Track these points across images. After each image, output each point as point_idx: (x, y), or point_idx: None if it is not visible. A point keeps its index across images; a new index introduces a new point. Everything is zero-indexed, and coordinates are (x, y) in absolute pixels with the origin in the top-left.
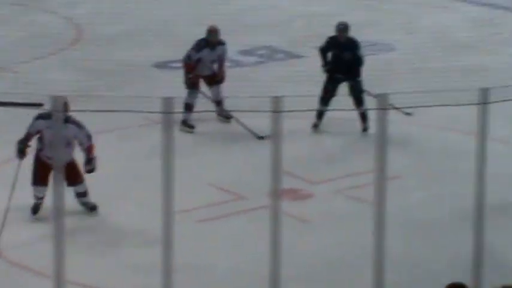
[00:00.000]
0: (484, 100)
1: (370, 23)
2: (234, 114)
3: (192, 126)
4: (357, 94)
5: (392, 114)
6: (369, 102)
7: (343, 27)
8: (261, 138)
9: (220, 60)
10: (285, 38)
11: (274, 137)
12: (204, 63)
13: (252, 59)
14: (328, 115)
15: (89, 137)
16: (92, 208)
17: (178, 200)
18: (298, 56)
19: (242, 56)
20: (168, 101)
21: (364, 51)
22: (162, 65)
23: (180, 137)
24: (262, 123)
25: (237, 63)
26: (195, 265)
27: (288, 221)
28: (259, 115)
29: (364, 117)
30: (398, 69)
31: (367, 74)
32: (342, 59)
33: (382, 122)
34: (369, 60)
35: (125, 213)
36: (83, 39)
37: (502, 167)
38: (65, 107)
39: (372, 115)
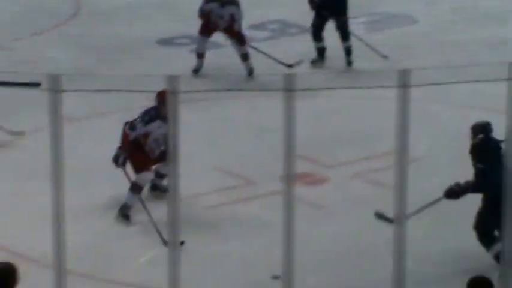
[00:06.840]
0: None
1: None
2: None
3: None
4: (343, 29)
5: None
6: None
7: None
8: (290, 66)
9: (232, 19)
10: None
11: (287, 117)
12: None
13: (264, 33)
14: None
15: None
16: None
17: (185, 185)
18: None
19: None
20: (173, 79)
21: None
22: (166, 42)
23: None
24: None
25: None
26: (205, 253)
27: (302, 207)
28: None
29: (348, 51)
30: (418, 42)
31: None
32: None
33: (404, 100)
34: (388, 34)
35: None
36: (80, 13)
37: None
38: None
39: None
